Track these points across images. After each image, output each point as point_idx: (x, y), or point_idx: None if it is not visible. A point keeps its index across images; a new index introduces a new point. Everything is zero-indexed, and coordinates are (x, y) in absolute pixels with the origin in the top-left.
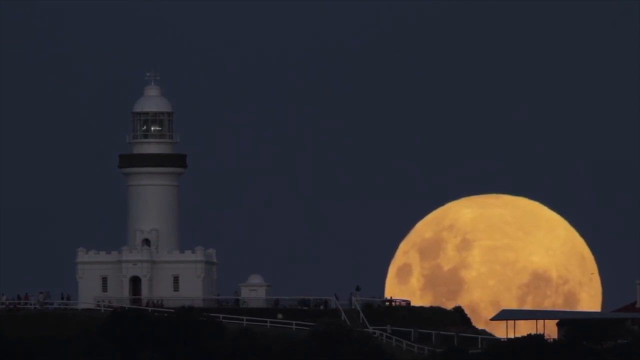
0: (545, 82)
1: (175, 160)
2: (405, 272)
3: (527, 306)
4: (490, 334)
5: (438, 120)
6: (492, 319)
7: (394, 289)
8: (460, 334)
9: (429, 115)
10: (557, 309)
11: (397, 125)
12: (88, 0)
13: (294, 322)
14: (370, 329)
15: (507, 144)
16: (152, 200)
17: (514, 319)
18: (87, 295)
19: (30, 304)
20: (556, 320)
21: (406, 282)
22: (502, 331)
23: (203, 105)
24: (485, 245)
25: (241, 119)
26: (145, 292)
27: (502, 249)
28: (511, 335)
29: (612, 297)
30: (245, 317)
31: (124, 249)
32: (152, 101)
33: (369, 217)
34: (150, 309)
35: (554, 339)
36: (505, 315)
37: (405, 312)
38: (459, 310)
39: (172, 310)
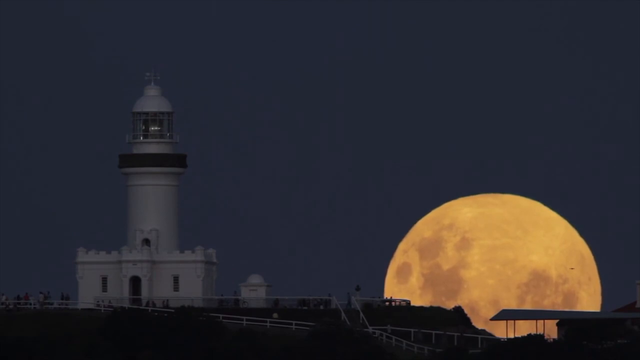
0: (545, 81)
1: (175, 160)
2: (404, 271)
3: (527, 305)
4: (490, 334)
5: (438, 119)
6: (492, 319)
7: (394, 289)
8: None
9: (428, 114)
10: (556, 308)
11: (397, 124)
12: (88, 0)
13: (293, 322)
14: (370, 329)
15: (507, 143)
16: (152, 200)
17: (514, 319)
18: (87, 295)
19: (30, 304)
20: (556, 320)
21: (406, 282)
22: (502, 331)
23: (203, 105)
24: (485, 244)
25: (241, 119)
26: (145, 292)
27: (502, 248)
28: (511, 335)
29: (612, 297)
30: (245, 317)
31: (124, 249)
32: (152, 101)
33: (369, 217)
34: (150, 309)
35: (554, 339)
36: (505, 315)
37: (405, 312)
38: (459, 311)
39: (172, 310)
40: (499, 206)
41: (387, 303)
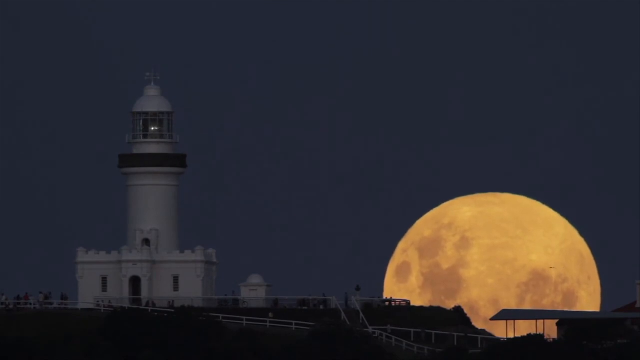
0: (545, 81)
1: (175, 160)
2: (404, 270)
3: (526, 305)
4: (490, 334)
5: (437, 119)
6: (492, 319)
7: (393, 288)
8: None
9: (428, 114)
10: (556, 307)
11: (397, 124)
12: (88, 0)
13: (293, 322)
14: (370, 329)
15: (506, 142)
16: (152, 200)
17: (514, 319)
18: (87, 295)
19: (31, 304)
20: (556, 320)
21: (405, 281)
22: (502, 331)
23: (203, 105)
24: (484, 243)
25: (241, 119)
26: (145, 292)
27: (501, 248)
28: (511, 335)
29: (612, 297)
30: (245, 317)
31: (124, 249)
32: (152, 101)
33: (368, 216)
34: (150, 309)
35: (554, 339)
36: (505, 315)
37: (405, 312)
38: (459, 311)
39: (172, 310)
40: (498, 205)
41: (387, 303)
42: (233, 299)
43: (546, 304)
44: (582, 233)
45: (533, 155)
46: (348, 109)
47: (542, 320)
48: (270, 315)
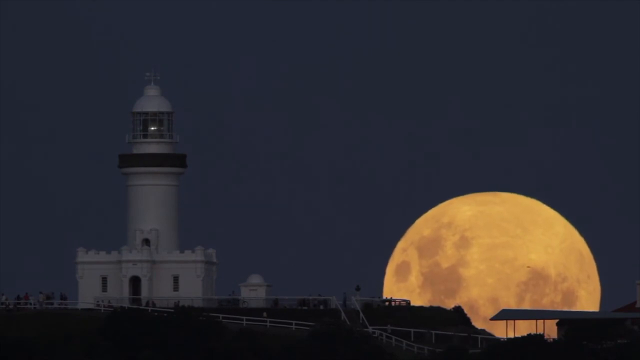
0: (545, 80)
1: (175, 160)
2: (404, 270)
3: (526, 304)
4: (490, 334)
5: (437, 118)
6: (492, 319)
7: (393, 287)
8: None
9: (428, 113)
10: (555, 307)
11: (396, 124)
12: (88, 0)
13: (293, 322)
14: (370, 329)
15: (506, 141)
16: (151, 200)
17: (514, 319)
18: (87, 295)
19: (31, 304)
20: (556, 320)
21: (405, 280)
22: (502, 331)
23: (203, 105)
24: (484, 243)
25: (241, 119)
26: (145, 292)
27: (501, 247)
28: (511, 335)
29: (612, 297)
30: (245, 317)
31: (124, 249)
32: (152, 101)
33: (368, 215)
34: (150, 308)
35: (553, 339)
36: (505, 315)
37: (405, 312)
38: (459, 311)
39: (172, 310)
40: (498, 204)
41: (387, 303)
42: (233, 299)
43: (546, 303)
44: (582, 233)
45: (533, 155)
46: (348, 109)
47: (542, 320)
48: (264, 314)
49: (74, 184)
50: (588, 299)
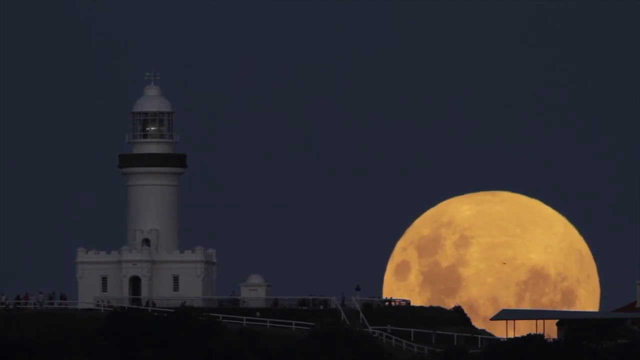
0: (545, 80)
1: (175, 160)
2: (403, 269)
3: (525, 303)
4: (490, 334)
5: (436, 118)
6: (492, 319)
7: (392, 286)
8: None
9: (427, 113)
10: (555, 306)
11: (396, 123)
12: (88, 0)
13: (293, 322)
14: (370, 329)
15: (506, 141)
16: (151, 200)
17: (514, 319)
18: (87, 295)
19: (31, 304)
20: (556, 320)
21: (404, 279)
22: (502, 331)
23: (203, 105)
24: (484, 242)
25: (241, 119)
26: (145, 292)
27: (501, 246)
28: (511, 335)
29: (612, 297)
30: (245, 317)
31: (124, 249)
32: (152, 101)
33: (368, 215)
34: (150, 308)
35: (554, 339)
36: (505, 315)
37: (405, 312)
38: (459, 311)
39: (172, 310)
40: (498, 204)
41: (387, 303)
42: (233, 299)
43: (545, 303)
44: (582, 232)
45: (533, 154)
46: (348, 109)
47: (542, 320)
48: (257, 314)
49: (74, 184)
50: (588, 298)
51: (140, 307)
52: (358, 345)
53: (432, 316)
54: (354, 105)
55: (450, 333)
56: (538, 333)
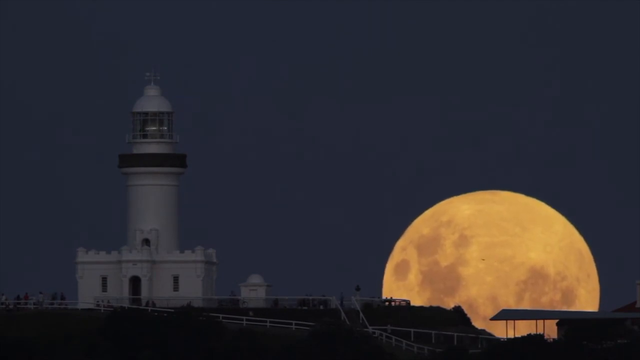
0: (545, 79)
1: (175, 160)
2: (403, 268)
3: (525, 302)
4: (490, 334)
5: (436, 117)
6: (492, 319)
7: (392, 286)
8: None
9: (427, 113)
10: (554, 305)
11: (396, 123)
12: (88, 0)
13: (293, 322)
14: (370, 329)
15: (506, 140)
16: (151, 200)
17: (514, 319)
18: (87, 295)
19: (31, 304)
20: (556, 320)
21: (404, 279)
22: (502, 331)
23: (203, 105)
24: (483, 241)
25: (241, 119)
26: (145, 292)
27: (500, 245)
28: (511, 335)
29: (612, 297)
30: (245, 317)
31: (124, 249)
32: (152, 101)
33: (367, 214)
34: (150, 308)
35: (554, 339)
36: (505, 315)
37: (405, 312)
38: (459, 311)
39: (172, 310)
40: (497, 203)
41: (387, 303)
42: (233, 299)
43: (545, 302)
44: (582, 232)
45: (532, 154)
46: (348, 109)
47: (542, 320)
48: (250, 314)
49: (74, 184)
50: (587, 297)
51: (140, 307)
52: (358, 345)
53: (432, 316)
54: (354, 105)
55: (447, 333)
56: (538, 333)
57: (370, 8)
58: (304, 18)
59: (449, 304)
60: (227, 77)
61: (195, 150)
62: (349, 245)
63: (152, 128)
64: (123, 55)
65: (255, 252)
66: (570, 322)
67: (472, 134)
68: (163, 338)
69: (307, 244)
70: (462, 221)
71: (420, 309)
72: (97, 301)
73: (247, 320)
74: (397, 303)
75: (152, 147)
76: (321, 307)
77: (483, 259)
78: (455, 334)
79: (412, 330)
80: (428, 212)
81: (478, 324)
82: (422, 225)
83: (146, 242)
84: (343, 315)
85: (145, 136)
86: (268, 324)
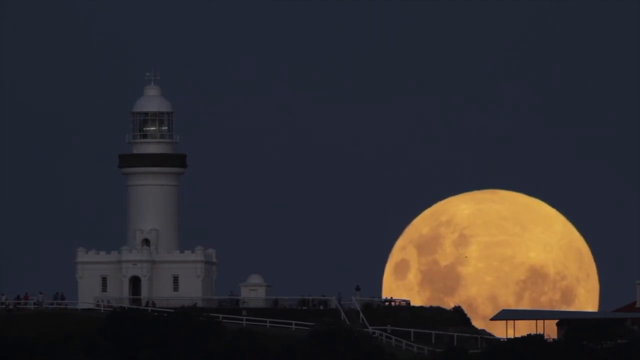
0: (544, 78)
1: (175, 160)
2: (402, 268)
3: (525, 302)
4: (490, 334)
5: (436, 117)
6: (492, 319)
7: (392, 285)
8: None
9: (427, 113)
10: (554, 305)
11: (395, 123)
12: (88, 0)
13: (293, 322)
14: (370, 329)
15: (505, 140)
16: (151, 200)
17: (514, 319)
18: (87, 295)
19: (31, 304)
20: (556, 320)
21: (404, 278)
22: (501, 331)
23: (203, 105)
24: (483, 241)
25: (241, 119)
26: (145, 292)
27: (500, 245)
28: (511, 335)
29: (611, 297)
30: (245, 317)
31: (124, 249)
32: (152, 101)
33: (367, 213)
34: (150, 308)
35: (553, 339)
36: (505, 315)
37: (405, 312)
38: (458, 311)
39: (172, 310)
40: (497, 203)
41: (387, 303)
42: (233, 299)
43: (544, 302)
44: (581, 232)
45: (532, 153)
46: (348, 109)
47: (542, 320)
48: (244, 313)
49: (74, 184)
50: (587, 297)
51: (140, 307)
52: (358, 345)
53: (432, 316)
54: (353, 105)
55: (448, 333)
56: (538, 333)
57: (370, 8)
58: (304, 18)
59: (449, 303)
60: (227, 77)
61: (195, 150)
62: (349, 245)
63: (152, 128)
64: (123, 55)
65: (255, 252)
66: (570, 322)
67: (472, 133)
68: (163, 338)
69: (307, 244)
70: (462, 221)
71: (420, 309)
72: (97, 301)
73: (247, 320)
74: (397, 303)
75: (152, 147)
76: (321, 307)
77: (466, 257)
78: (455, 334)
79: (412, 330)
80: (427, 212)
81: (478, 323)
82: (421, 224)
83: (146, 242)
84: (343, 315)
85: (145, 136)
86: (268, 324)
